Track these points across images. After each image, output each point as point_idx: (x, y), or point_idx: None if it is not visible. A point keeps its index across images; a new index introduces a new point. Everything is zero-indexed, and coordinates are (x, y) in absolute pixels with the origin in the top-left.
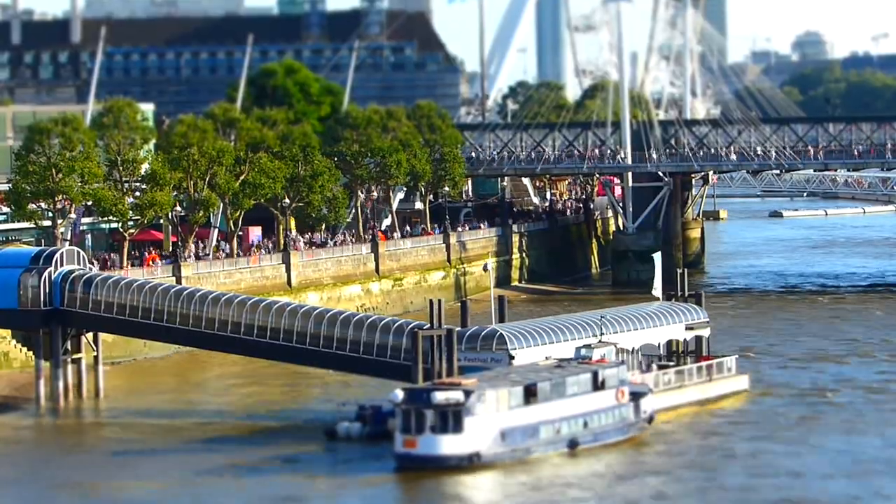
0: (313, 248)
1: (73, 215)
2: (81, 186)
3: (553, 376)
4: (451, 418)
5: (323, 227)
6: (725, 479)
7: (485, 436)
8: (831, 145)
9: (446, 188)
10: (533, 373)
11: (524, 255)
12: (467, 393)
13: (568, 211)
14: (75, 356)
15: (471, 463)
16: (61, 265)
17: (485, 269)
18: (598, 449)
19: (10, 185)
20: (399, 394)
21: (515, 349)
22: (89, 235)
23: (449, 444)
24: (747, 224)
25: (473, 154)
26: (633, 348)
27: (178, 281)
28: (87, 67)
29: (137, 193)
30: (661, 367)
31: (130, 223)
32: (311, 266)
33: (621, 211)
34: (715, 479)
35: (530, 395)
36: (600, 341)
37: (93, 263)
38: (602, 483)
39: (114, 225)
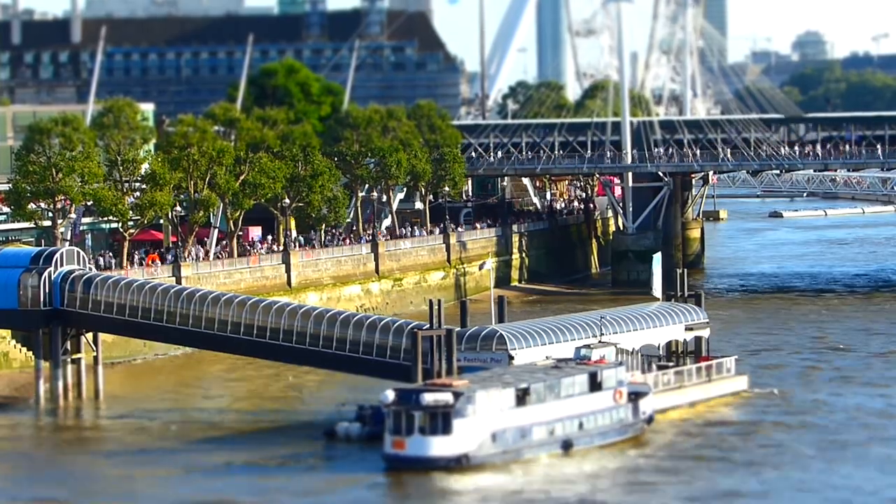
0: (313, 247)
1: (73, 215)
2: (81, 186)
3: (547, 377)
4: (439, 420)
5: (323, 227)
6: (722, 480)
7: (474, 437)
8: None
9: (446, 188)
10: (527, 374)
11: (524, 255)
12: (456, 394)
13: (566, 211)
14: (75, 356)
15: (459, 465)
16: (61, 265)
17: (481, 267)
18: (593, 450)
19: (11, 184)
20: (389, 395)
21: (515, 349)
22: (89, 235)
23: (437, 446)
24: (743, 231)
25: (473, 154)
26: (633, 349)
27: (178, 281)
28: (87, 67)
29: (137, 193)
30: (660, 368)
31: (130, 223)
32: (311, 266)
33: (621, 211)
34: (712, 479)
35: (522, 396)
36: (600, 342)
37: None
38: (590, 484)
39: (114, 225)
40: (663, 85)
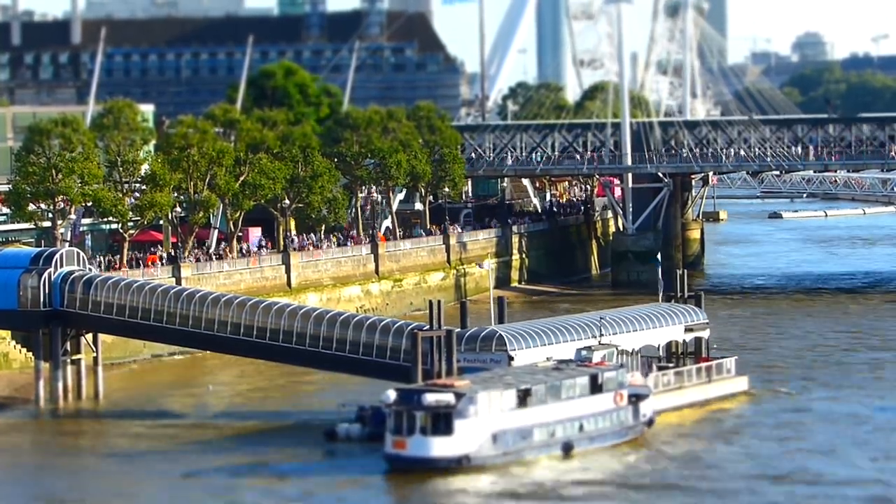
0: (312, 248)
1: (72, 216)
2: (81, 187)
3: (548, 379)
4: (441, 420)
5: (323, 228)
6: (721, 481)
7: (475, 438)
8: (831, 146)
9: (446, 189)
10: (528, 375)
11: (524, 255)
12: (458, 395)
13: (567, 210)
14: (75, 357)
15: (460, 465)
16: (61, 266)
17: (480, 266)
18: (593, 452)
19: (10, 185)
20: (390, 395)
21: (515, 350)
22: (89, 236)
23: (438, 446)
24: (739, 245)
25: (473, 155)
26: (633, 349)
27: (178, 282)
28: (87, 68)
29: (137, 194)
30: (660, 369)
31: (130, 224)
32: (311, 267)
33: (621, 212)
34: (711, 479)
35: (524, 397)
36: (600, 342)
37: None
38: (590, 485)
39: (114, 226)
40: (660, 101)
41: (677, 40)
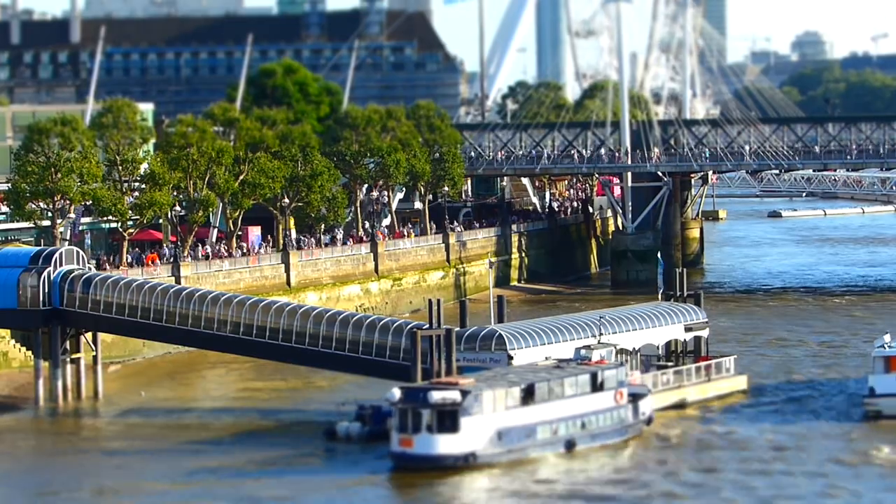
0: (312, 247)
1: (72, 215)
2: (80, 186)
3: (551, 377)
4: (447, 418)
5: (322, 227)
6: (721, 481)
7: (481, 436)
8: (830, 145)
9: (446, 188)
10: (531, 373)
11: (523, 255)
12: (464, 393)
13: (568, 210)
14: (74, 356)
15: (466, 463)
16: (61, 265)
17: (490, 265)
18: (595, 450)
19: (10, 184)
20: (396, 393)
21: (514, 349)
22: (88, 235)
23: (445, 444)
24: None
25: (473, 154)
26: (633, 348)
27: (178, 281)
28: (86, 67)
29: (136, 193)
30: (659, 368)
31: (130, 223)
32: (311, 266)
33: (620, 211)
34: (711, 479)
35: (527, 395)
36: (599, 342)
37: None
38: (594, 485)
39: (113, 225)
40: (662, 84)
41: (679, 22)
